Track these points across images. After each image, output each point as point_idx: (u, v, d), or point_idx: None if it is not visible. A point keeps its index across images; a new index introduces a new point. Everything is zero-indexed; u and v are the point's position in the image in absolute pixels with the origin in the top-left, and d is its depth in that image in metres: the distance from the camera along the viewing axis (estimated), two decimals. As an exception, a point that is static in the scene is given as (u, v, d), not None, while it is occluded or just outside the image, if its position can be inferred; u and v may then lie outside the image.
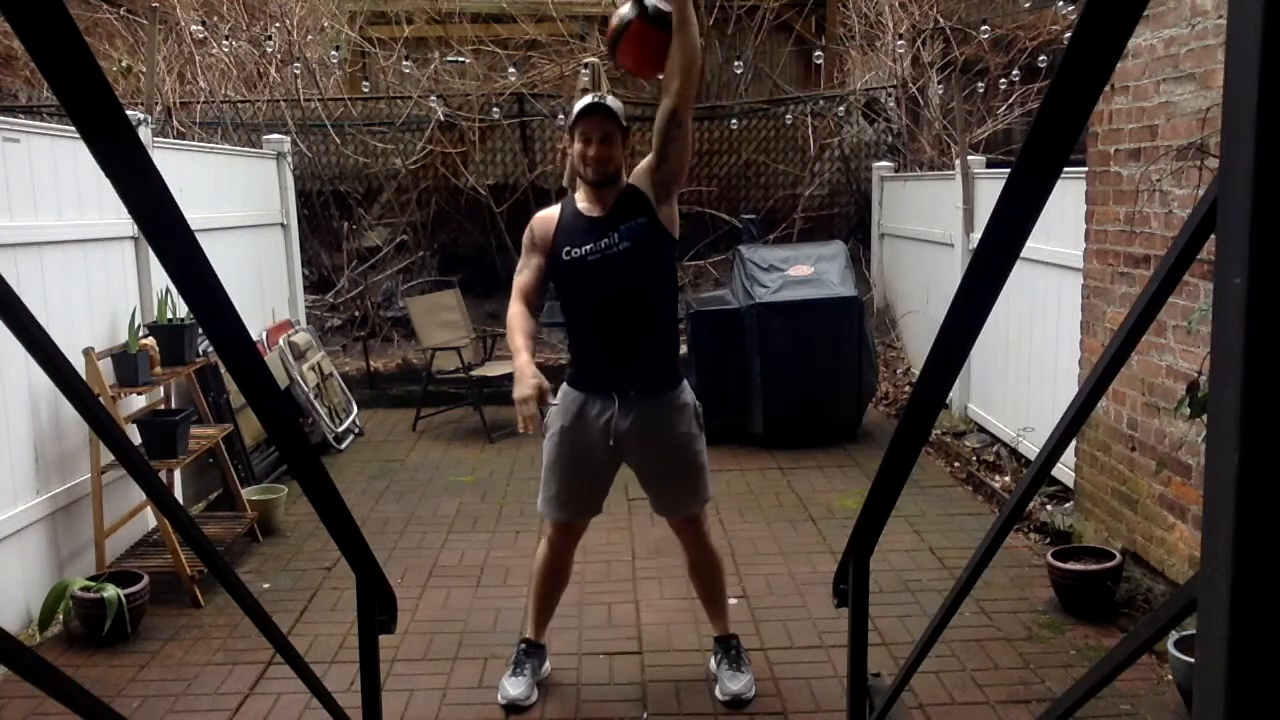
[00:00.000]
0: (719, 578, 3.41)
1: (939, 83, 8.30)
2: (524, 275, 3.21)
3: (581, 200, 3.17)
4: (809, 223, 8.93)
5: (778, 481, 5.59)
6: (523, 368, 3.00)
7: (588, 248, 3.09)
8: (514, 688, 3.25)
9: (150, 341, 4.49)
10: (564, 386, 3.24)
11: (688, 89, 2.93)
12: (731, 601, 4.00)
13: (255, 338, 6.09)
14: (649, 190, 3.10)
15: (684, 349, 7.10)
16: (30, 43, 0.90)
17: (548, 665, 3.45)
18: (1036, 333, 5.19)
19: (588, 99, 3.07)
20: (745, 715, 3.20)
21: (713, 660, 3.42)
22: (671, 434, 3.17)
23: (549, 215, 3.23)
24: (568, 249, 3.12)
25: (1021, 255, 1.38)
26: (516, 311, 3.18)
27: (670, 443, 3.17)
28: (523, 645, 3.39)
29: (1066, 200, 4.38)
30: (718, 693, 3.27)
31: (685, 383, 3.25)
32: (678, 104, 2.94)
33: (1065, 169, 1.18)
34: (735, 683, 3.26)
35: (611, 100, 3.10)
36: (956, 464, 5.70)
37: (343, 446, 6.41)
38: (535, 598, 3.42)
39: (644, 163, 3.15)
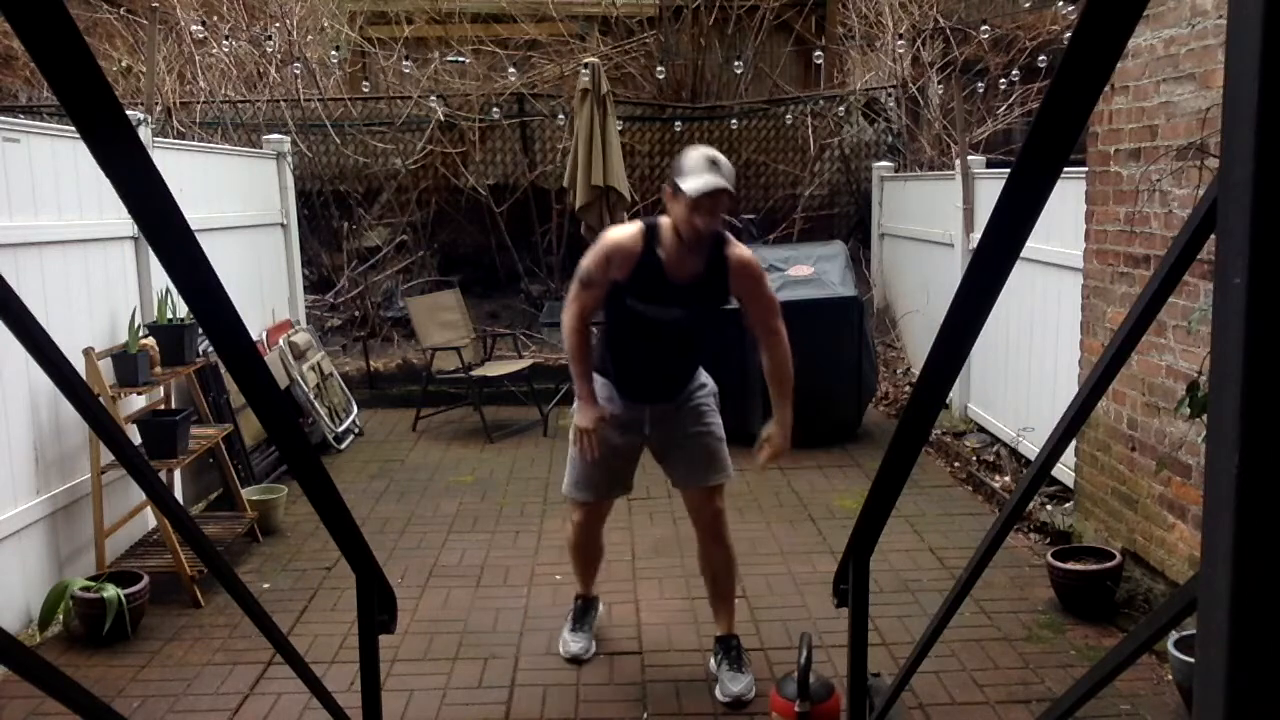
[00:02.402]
0: (732, 574, 3.45)
1: (939, 83, 8.30)
2: (586, 297, 3.15)
3: (666, 249, 3.08)
4: (809, 223, 8.93)
5: (778, 481, 5.59)
6: (585, 397, 3.17)
7: (656, 309, 3.14)
8: (575, 643, 3.53)
9: (150, 341, 4.49)
10: (595, 376, 3.31)
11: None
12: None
13: (255, 338, 6.09)
14: (732, 286, 3.15)
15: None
16: (30, 43, 0.90)
17: (602, 608, 3.77)
18: (1036, 333, 5.19)
19: (712, 179, 2.92)
20: (745, 715, 3.20)
21: (713, 660, 3.43)
22: (691, 405, 3.37)
23: (630, 249, 3.09)
24: (636, 299, 3.12)
25: (1021, 255, 1.38)
26: (579, 337, 3.18)
27: (689, 412, 3.35)
28: (578, 601, 3.66)
29: (1066, 200, 4.38)
30: (718, 693, 3.28)
31: (703, 371, 3.45)
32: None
33: (1065, 169, 1.18)
34: (736, 684, 3.27)
35: (726, 165, 3.00)
36: (956, 464, 5.70)
37: (343, 446, 6.41)
38: (578, 568, 3.66)
39: (744, 267, 3.14)
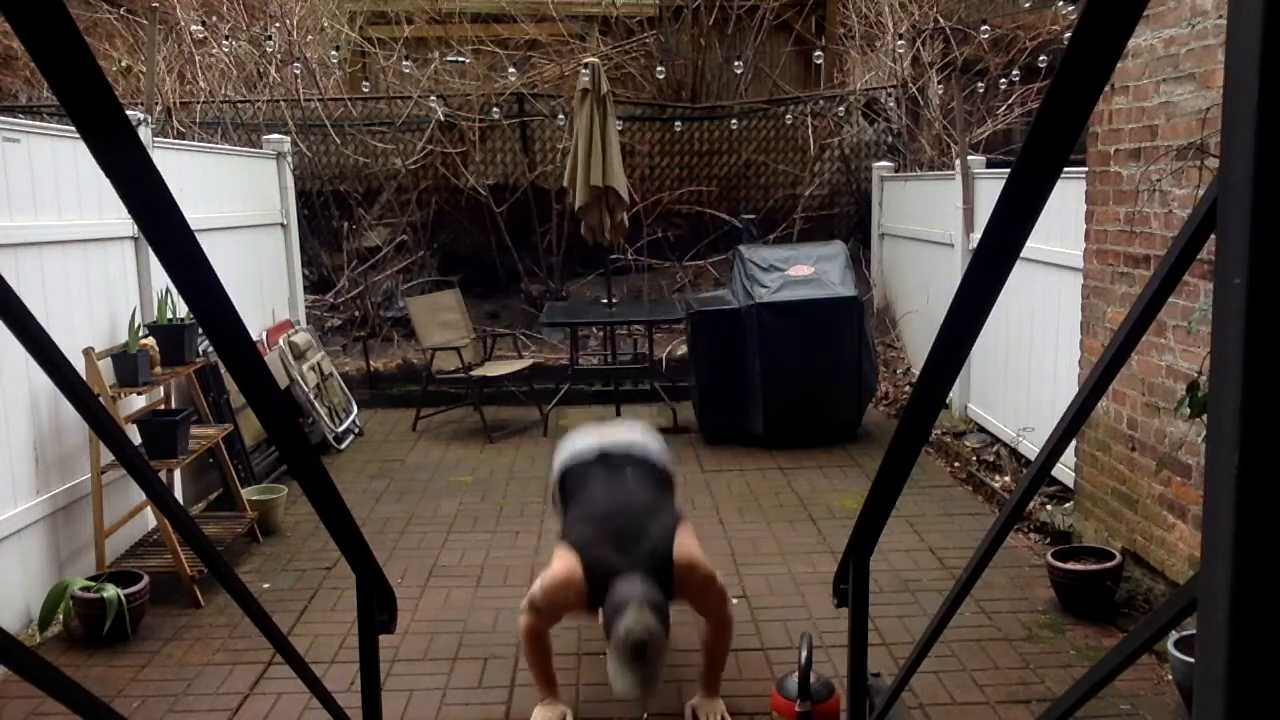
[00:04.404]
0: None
1: (939, 83, 8.30)
2: (539, 623, 3.03)
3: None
4: (809, 223, 8.93)
5: (778, 481, 5.59)
6: (547, 693, 3.13)
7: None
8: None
9: (150, 341, 4.49)
10: None
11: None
12: (731, 601, 4.00)
13: (255, 338, 6.09)
14: (677, 593, 2.99)
15: (684, 349, 7.12)
16: (30, 43, 0.90)
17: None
18: (1036, 333, 5.19)
19: (633, 684, 2.74)
20: (745, 716, 3.20)
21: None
22: None
23: (576, 600, 2.94)
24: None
25: (1021, 255, 1.38)
26: (535, 649, 3.07)
27: None
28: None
29: (1066, 200, 4.38)
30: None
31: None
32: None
33: (1065, 169, 1.18)
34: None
35: (653, 668, 2.77)
36: (956, 464, 5.70)
37: (343, 446, 6.41)
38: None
39: (695, 584, 3.00)
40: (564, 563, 2.96)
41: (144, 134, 4.81)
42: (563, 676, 3.45)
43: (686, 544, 3.02)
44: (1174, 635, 3.09)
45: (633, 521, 3.03)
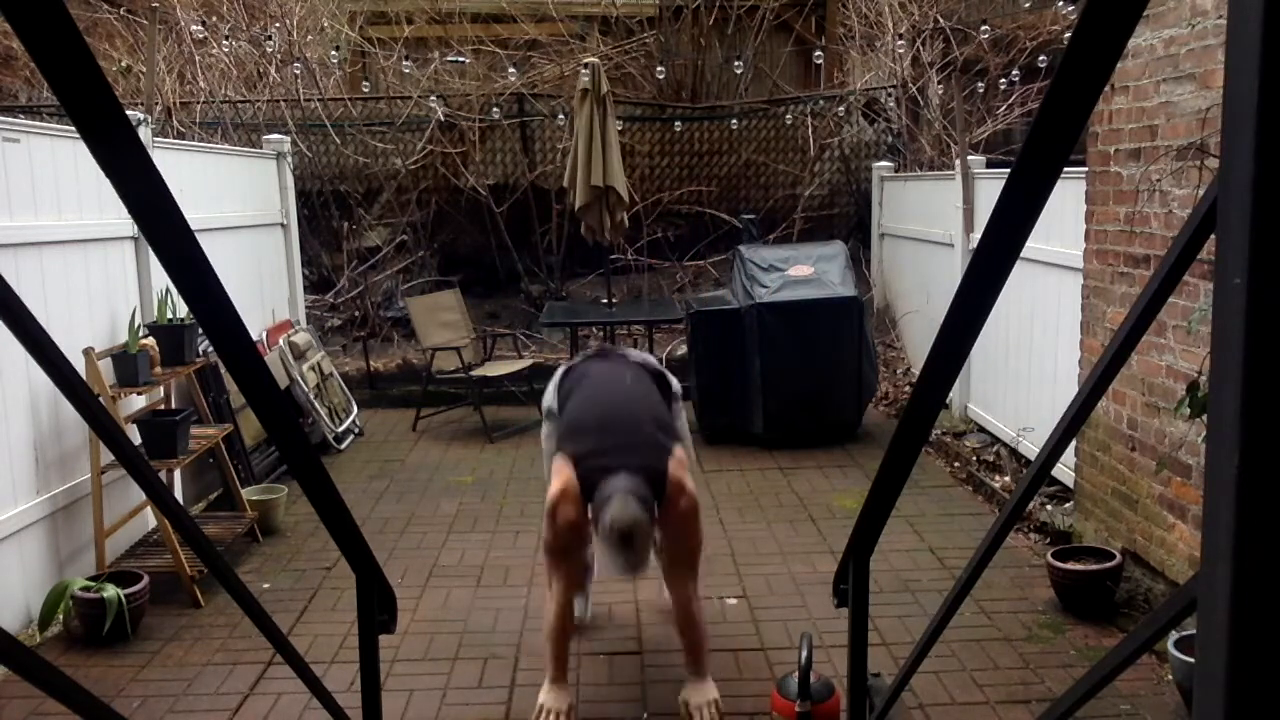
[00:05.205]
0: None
1: (939, 83, 8.30)
2: (561, 545, 3.02)
3: None
4: (809, 223, 8.93)
5: (778, 481, 5.59)
6: (558, 679, 3.08)
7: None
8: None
9: (150, 341, 4.49)
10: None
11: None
12: (731, 601, 4.01)
13: (255, 338, 6.09)
14: (660, 513, 3.01)
15: (684, 349, 7.11)
16: (30, 43, 0.90)
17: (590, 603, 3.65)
18: (1036, 333, 5.19)
19: (622, 562, 2.85)
20: (745, 715, 3.20)
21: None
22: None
23: (574, 501, 2.98)
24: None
25: (1021, 255, 1.38)
26: (561, 616, 3.05)
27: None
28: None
29: (1066, 200, 4.38)
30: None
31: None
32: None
33: (1065, 169, 1.18)
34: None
35: (640, 551, 2.89)
36: (956, 464, 5.70)
37: (343, 446, 6.41)
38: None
39: (680, 509, 3.00)
40: (560, 478, 3.02)
41: (144, 134, 4.81)
42: (563, 676, 3.46)
43: (681, 468, 3.04)
44: (1174, 635, 3.09)
45: (629, 430, 3.05)
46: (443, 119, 8.43)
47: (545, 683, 3.11)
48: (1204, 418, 3.03)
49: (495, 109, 8.51)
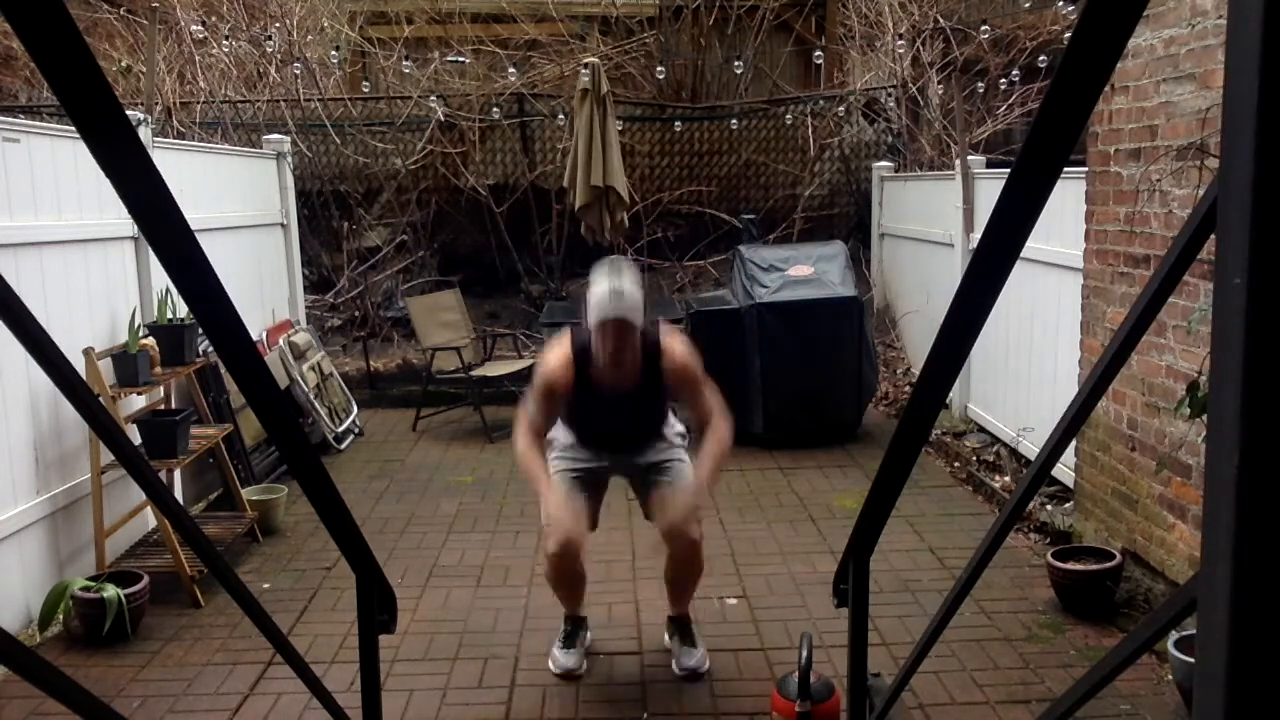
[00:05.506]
0: (697, 582, 3.53)
1: (939, 83, 8.30)
2: (536, 420, 3.25)
3: (598, 368, 3.18)
4: (809, 223, 8.93)
5: (778, 481, 5.59)
6: (549, 490, 3.25)
7: (602, 417, 3.31)
8: (566, 659, 3.49)
9: (150, 341, 4.49)
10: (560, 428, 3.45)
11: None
12: (731, 602, 4.02)
13: (255, 338, 6.09)
14: (668, 382, 3.24)
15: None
16: (30, 43, 0.90)
17: (590, 635, 3.68)
18: (1036, 333, 5.19)
19: (608, 304, 3.03)
20: (745, 716, 3.20)
21: (666, 637, 3.60)
22: (661, 448, 3.46)
23: (565, 378, 3.20)
24: (582, 408, 3.28)
25: (1021, 255, 1.38)
26: (531, 458, 3.23)
27: (659, 452, 3.45)
28: (568, 624, 3.59)
29: (1066, 200, 4.38)
30: (675, 667, 3.46)
31: (671, 416, 3.52)
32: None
33: (1065, 169, 1.18)
34: (691, 658, 3.45)
35: (630, 293, 3.06)
36: (956, 464, 5.70)
37: (343, 446, 6.41)
38: (561, 594, 3.56)
39: (679, 364, 3.21)
40: (555, 347, 3.27)
41: (144, 134, 4.81)
42: (563, 677, 3.46)
43: (673, 337, 3.28)
44: (1174, 635, 3.09)
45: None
46: (443, 119, 8.43)
47: (552, 493, 3.29)
48: (1204, 418, 3.03)
49: (495, 109, 8.51)
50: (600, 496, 3.55)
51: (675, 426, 3.55)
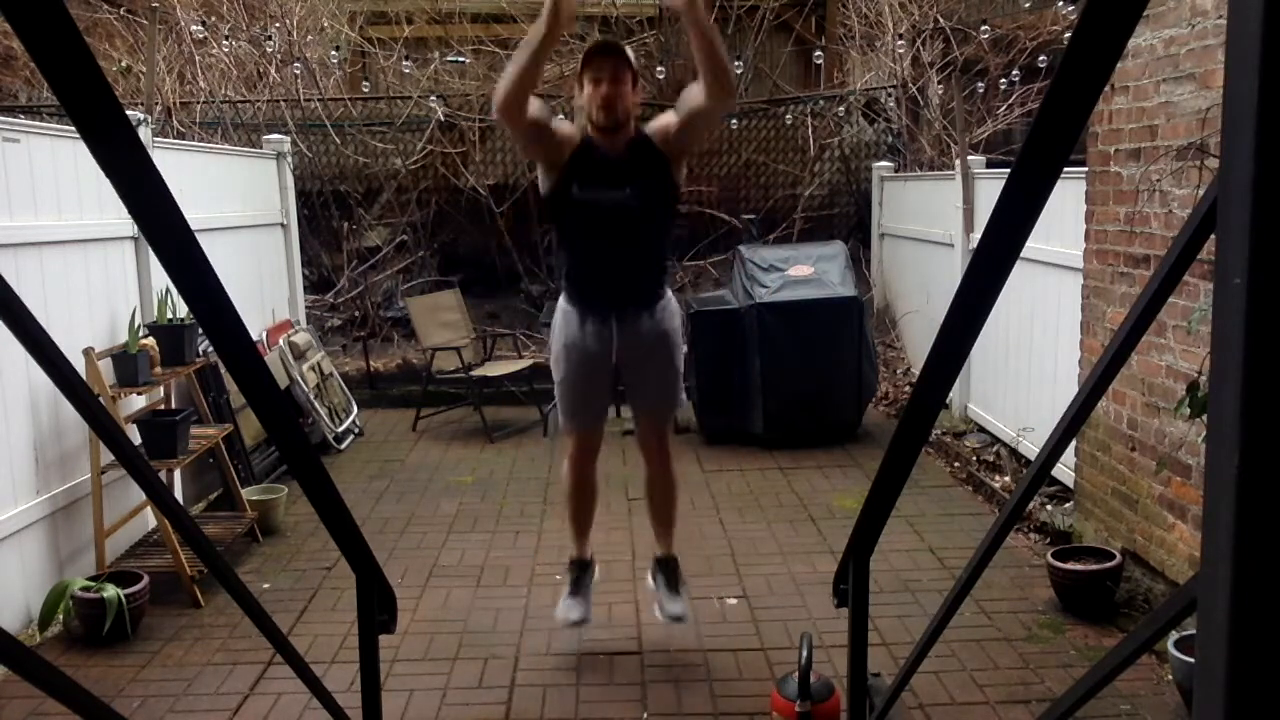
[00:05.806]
0: (674, 500, 3.63)
1: (939, 83, 8.30)
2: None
3: (599, 142, 3.21)
4: (809, 223, 8.93)
5: (778, 481, 5.59)
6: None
7: (600, 194, 3.19)
8: (573, 611, 3.53)
9: (150, 341, 4.49)
10: (561, 303, 3.45)
11: (718, 93, 2.98)
12: (731, 602, 4.01)
13: (255, 338, 6.09)
14: (664, 149, 3.22)
15: (684, 349, 7.11)
16: (30, 43, 0.90)
17: (598, 573, 3.72)
18: (1036, 333, 5.19)
19: (599, 45, 3.17)
20: (745, 716, 3.20)
21: (650, 579, 3.67)
22: (659, 330, 3.42)
23: (571, 131, 3.25)
24: (580, 185, 3.19)
25: (1021, 255, 1.38)
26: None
27: (656, 339, 3.43)
28: (573, 567, 3.65)
29: (1066, 200, 4.38)
30: (658, 613, 3.54)
31: (670, 294, 3.52)
32: (711, 106, 3.04)
33: (1065, 169, 1.18)
34: (675, 605, 3.52)
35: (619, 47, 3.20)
36: (956, 464, 5.70)
37: (343, 446, 6.41)
38: (570, 518, 3.66)
39: (659, 122, 3.24)
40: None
41: (144, 134, 4.81)
42: (563, 677, 3.46)
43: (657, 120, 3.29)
44: (1174, 635, 3.09)
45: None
46: (443, 119, 8.43)
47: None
48: (1204, 418, 3.03)
49: (495, 109, 8.49)
50: (607, 390, 3.57)
51: (675, 307, 3.52)
